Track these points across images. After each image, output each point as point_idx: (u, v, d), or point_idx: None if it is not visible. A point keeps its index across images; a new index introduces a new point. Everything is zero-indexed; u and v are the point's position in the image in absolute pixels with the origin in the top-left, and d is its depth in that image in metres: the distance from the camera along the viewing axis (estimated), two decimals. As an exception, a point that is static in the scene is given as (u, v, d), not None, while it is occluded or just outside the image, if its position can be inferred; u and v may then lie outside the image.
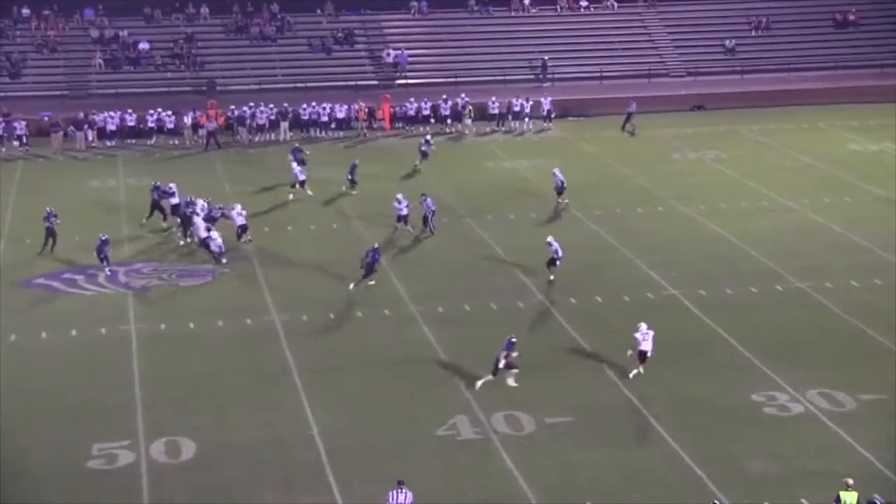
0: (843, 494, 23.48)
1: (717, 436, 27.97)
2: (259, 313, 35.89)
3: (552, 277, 38.04)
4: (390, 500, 23.69)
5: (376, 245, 38.38)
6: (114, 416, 29.13)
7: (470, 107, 61.04)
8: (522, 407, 29.27)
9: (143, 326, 34.98)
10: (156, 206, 44.44)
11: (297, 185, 48.18)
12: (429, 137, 55.04)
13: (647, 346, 31.02)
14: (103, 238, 39.46)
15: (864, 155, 55.14)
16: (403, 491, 23.79)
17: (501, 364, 30.15)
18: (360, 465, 26.65)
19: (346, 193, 48.74)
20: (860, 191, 48.57)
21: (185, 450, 27.44)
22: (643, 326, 31.24)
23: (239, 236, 42.07)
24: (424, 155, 53.09)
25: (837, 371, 31.30)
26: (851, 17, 74.61)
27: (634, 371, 31.08)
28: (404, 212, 43.04)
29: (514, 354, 30.23)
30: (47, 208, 41.98)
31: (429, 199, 43.75)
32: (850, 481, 23.69)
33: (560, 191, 46.76)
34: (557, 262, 37.92)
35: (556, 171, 47.22)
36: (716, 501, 23.53)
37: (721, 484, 25.56)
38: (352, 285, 37.37)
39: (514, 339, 30.44)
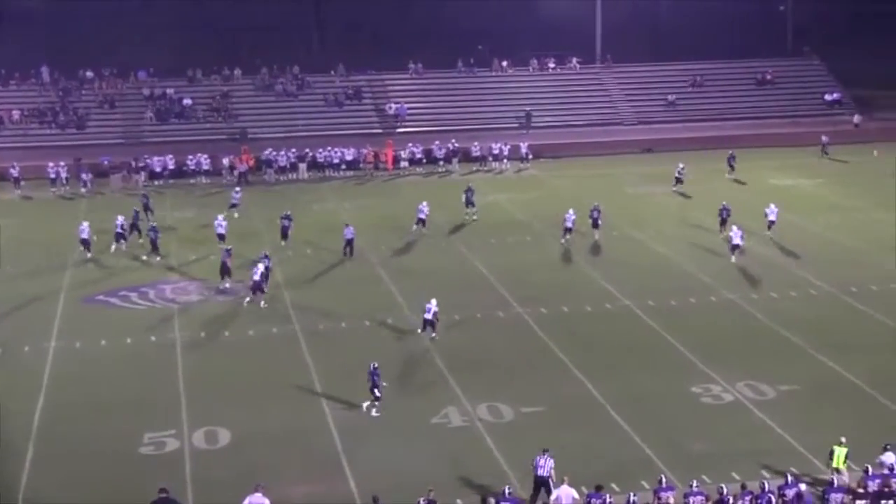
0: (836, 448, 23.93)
1: (664, 421, 27.77)
2: (284, 323, 35.46)
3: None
4: (537, 462, 23.45)
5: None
6: (162, 410, 28.80)
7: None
8: (502, 399, 29.04)
9: (185, 335, 34.68)
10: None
11: None
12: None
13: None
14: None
15: (781, 188, 54.99)
16: (545, 456, 23.52)
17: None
18: (370, 448, 26.39)
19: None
20: (779, 217, 48.23)
21: (221, 437, 27.17)
22: None
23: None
24: None
25: (760, 366, 31.04)
26: (769, 77, 75.37)
27: None
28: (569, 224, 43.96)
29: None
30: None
31: (350, 228, 42.47)
32: (843, 439, 23.95)
33: None
34: (599, 225, 44.16)
35: None
36: (662, 476, 23.31)
37: (668, 462, 25.36)
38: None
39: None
